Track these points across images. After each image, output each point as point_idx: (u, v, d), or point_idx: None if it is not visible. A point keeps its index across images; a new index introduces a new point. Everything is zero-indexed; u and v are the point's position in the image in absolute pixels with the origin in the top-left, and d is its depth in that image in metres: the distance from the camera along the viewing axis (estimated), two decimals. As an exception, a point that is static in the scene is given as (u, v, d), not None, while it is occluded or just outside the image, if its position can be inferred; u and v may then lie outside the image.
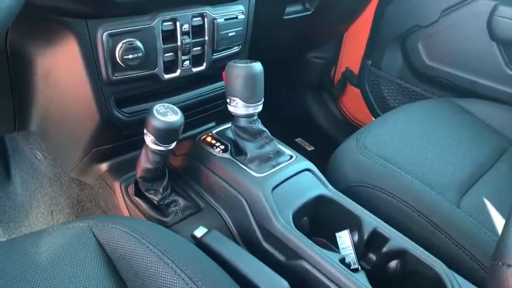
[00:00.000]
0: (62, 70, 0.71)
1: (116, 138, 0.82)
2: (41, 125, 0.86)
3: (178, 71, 0.76)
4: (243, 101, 0.73)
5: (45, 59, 0.71)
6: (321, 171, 0.80)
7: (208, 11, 0.76)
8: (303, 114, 1.60)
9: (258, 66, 0.73)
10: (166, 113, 0.68)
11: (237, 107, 0.74)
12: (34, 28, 0.68)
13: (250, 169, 0.75)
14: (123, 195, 0.81)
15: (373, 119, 1.42)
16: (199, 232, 0.67)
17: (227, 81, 0.74)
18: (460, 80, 1.21)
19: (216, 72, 0.84)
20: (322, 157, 0.95)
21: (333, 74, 1.55)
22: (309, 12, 1.13)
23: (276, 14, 1.04)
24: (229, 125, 0.85)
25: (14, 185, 1.11)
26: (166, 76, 0.75)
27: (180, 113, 0.69)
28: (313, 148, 1.60)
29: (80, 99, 0.73)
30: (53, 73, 0.73)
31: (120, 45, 0.67)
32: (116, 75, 0.69)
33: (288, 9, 1.08)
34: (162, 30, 0.71)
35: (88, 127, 0.77)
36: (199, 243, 0.65)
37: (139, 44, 0.68)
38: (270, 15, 1.01)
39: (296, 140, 1.63)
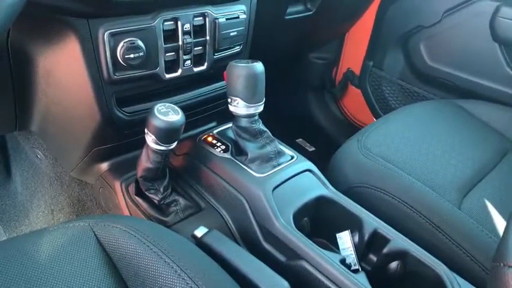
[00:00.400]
0: (63, 69, 0.71)
1: (117, 137, 0.82)
2: (42, 125, 0.86)
3: (180, 71, 0.76)
4: (244, 101, 0.73)
5: (47, 58, 0.71)
6: (321, 172, 0.80)
7: (210, 10, 0.76)
8: (304, 114, 1.60)
9: (259, 66, 0.73)
10: (168, 113, 0.68)
11: (238, 107, 0.74)
12: (35, 27, 0.68)
13: (251, 169, 0.75)
14: (123, 195, 0.80)
15: (374, 119, 1.41)
16: (200, 232, 0.67)
17: (228, 81, 0.74)
18: (462, 81, 1.21)
19: (217, 72, 0.84)
20: (323, 158, 0.95)
21: (334, 75, 1.54)
22: (311, 13, 1.13)
23: (277, 14, 1.04)
24: (230, 125, 0.85)
25: (14, 184, 1.11)
26: (168, 76, 0.75)
27: (181, 112, 0.69)
28: (314, 149, 1.59)
29: (81, 98, 0.73)
30: (54, 72, 0.73)
31: (121, 44, 0.67)
32: (117, 74, 0.69)
33: (290, 9, 1.07)
34: (164, 30, 0.71)
35: (89, 126, 0.77)
36: (199, 243, 0.65)
37: (140, 43, 0.68)
38: (271, 15, 1.01)
39: (297, 140, 1.62)
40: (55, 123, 0.84)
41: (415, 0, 1.26)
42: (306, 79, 1.54)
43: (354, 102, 1.50)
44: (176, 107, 0.70)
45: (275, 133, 0.80)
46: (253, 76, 0.72)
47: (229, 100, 0.75)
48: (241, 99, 0.73)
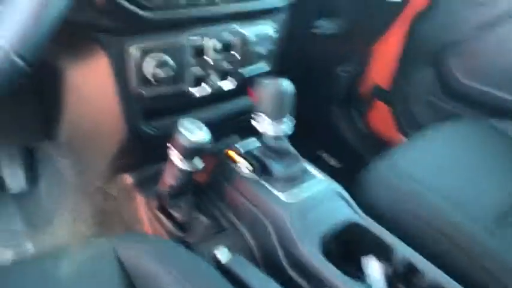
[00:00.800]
0: (90, 84, 0.72)
1: (142, 150, 0.82)
2: (69, 135, 0.87)
3: (207, 87, 0.75)
4: (271, 120, 0.72)
5: (75, 72, 0.71)
6: (347, 189, 0.77)
7: (239, 27, 0.75)
8: (327, 127, 1.57)
9: (288, 85, 0.71)
10: (193, 130, 0.67)
11: (265, 125, 0.72)
12: (64, 41, 0.68)
13: (276, 190, 0.72)
14: (146, 210, 0.80)
15: (402, 136, 1.37)
16: (222, 254, 0.65)
17: (256, 99, 0.73)
18: (496, 99, 1.15)
19: (244, 87, 0.83)
20: (348, 173, 0.91)
21: (360, 88, 1.51)
22: (339, 28, 1.11)
23: (305, 30, 1.03)
24: (253, 139, 0.83)
25: (39, 191, 1.12)
26: (195, 92, 0.74)
27: (206, 129, 0.68)
28: (337, 163, 1.56)
29: (108, 112, 0.73)
30: (82, 86, 0.73)
31: (149, 60, 0.66)
32: (144, 90, 0.69)
33: (318, 25, 1.06)
34: (192, 46, 0.71)
35: (115, 140, 0.77)
36: (221, 267, 0.63)
37: (169, 59, 0.67)
38: (299, 30, 1.00)
39: (319, 153, 1.59)
40: (82, 135, 0.85)
41: (449, 15, 1.22)
42: (330, 92, 1.51)
43: (381, 117, 1.46)
44: (201, 124, 0.69)
45: (296, 145, 0.78)
46: (281, 95, 0.70)
47: (255, 117, 0.73)
48: (269, 117, 0.72)
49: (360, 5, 1.16)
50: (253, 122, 0.74)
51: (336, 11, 1.09)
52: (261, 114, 0.72)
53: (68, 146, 0.93)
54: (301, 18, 0.97)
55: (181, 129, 0.66)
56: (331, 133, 1.55)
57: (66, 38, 0.67)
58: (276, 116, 0.72)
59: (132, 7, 0.60)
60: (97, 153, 0.86)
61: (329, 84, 1.48)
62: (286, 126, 0.73)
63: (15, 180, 1.09)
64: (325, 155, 1.58)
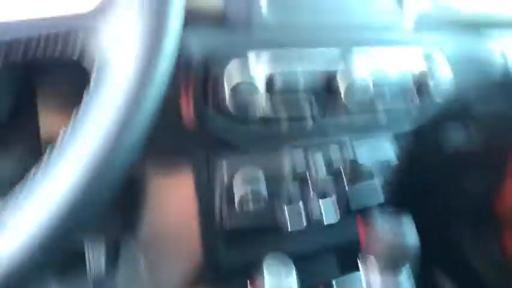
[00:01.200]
0: (171, 196, 0.66)
1: (219, 277, 0.71)
2: (146, 238, 0.83)
3: (306, 222, 0.62)
4: (382, 271, 0.55)
5: (157, 185, 0.66)
6: None
7: (350, 146, 0.62)
8: (449, 244, 1.29)
9: (410, 232, 0.54)
10: (280, 275, 0.54)
11: (374, 275, 0.56)
12: (147, 154, 0.64)
13: None
14: None
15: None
16: None
17: (365, 237, 0.58)
18: None
19: (350, 215, 0.67)
20: None
21: (495, 203, 1.23)
22: (470, 136, 0.92)
23: (432, 151, 0.85)
24: (356, 275, 0.66)
25: (116, 280, 1.10)
26: (291, 227, 0.60)
27: (295, 278, 0.54)
28: (458, 291, 1.25)
29: (184, 231, 0.67)
30: (162, 197, 0.68)
31: (240, 188, 0.56)
32: (229, 221, 0.59)
33: (448, 141, 0.88)
34: (291, 167, 0.59)
35: (191, 261, 0.70)
36: None
37: (262, 186, 0.56)
38: (422, 151, 0.82)
39: (436, 274, 1.31)
40: (158, 242, 0.79)
41: None
42: (456, 205, 1.26)
43: (524, 242, 1.14)
44: (291, 264, 0.55)
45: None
46: (400, 245, 0.54)
47: (364, 260, 0.58)
48: (379, 267, 0.55)
49: (502, 110, 0.95)
50: (359, 262, 0.59)
51: (469, 120, 0.90)
52: (370, 257, 0.57)
53: (145, 248, 0.88)
54: (428, 137, 0.79)
55: (265, 274, 0.54)
56: (453, 252, 1.27)
57: (149, 151, 0.62)
58: (388, 268, 0.55)
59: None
60: (171, 265, 0.79)
61: (455, 196, 1.23)
62: (403, 284, 0.56)
63: (96, 266, 1.09)
64: (441, 276, 1.29)
